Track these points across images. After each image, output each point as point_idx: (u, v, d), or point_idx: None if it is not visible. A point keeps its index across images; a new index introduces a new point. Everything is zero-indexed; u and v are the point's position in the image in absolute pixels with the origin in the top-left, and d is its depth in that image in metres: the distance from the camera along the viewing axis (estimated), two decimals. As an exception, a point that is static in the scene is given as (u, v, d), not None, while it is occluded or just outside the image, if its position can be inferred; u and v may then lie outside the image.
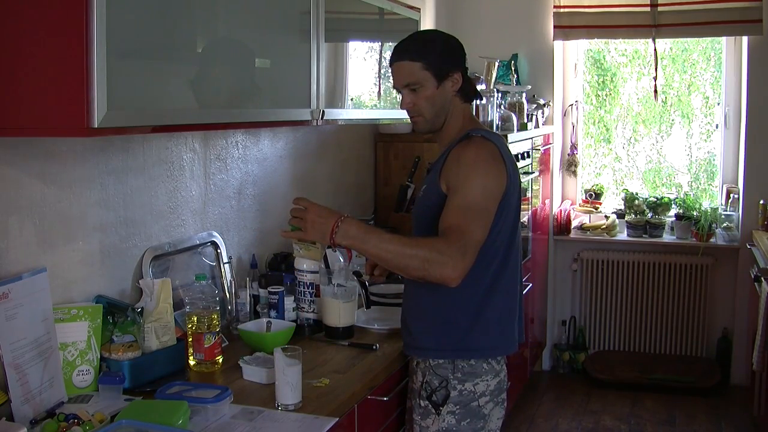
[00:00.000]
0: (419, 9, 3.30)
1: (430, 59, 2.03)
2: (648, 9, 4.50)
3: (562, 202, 5.08)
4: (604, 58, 5.16)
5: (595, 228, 4.93)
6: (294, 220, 1.96)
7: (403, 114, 2.13)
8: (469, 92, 2.13)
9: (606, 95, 5.17)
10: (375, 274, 2.37)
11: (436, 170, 2.05)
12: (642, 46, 5.04)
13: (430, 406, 2.08)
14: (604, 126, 5.20)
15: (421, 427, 2.10)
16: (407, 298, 2.18)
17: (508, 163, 2.04)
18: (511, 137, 3.68)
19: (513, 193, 2.04)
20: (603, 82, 5.17)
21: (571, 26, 4.68)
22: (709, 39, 4.86)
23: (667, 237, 4.82)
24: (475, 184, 1.94)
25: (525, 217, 4.12)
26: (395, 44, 2.10)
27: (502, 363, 2.13)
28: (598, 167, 5.22)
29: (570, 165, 5.06)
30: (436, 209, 1.99)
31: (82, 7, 1.48)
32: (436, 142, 2.20)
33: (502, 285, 2.07)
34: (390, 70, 2.10)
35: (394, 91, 2.14)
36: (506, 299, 2.10)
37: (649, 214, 4.85)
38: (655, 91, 4.71)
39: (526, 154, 4.03)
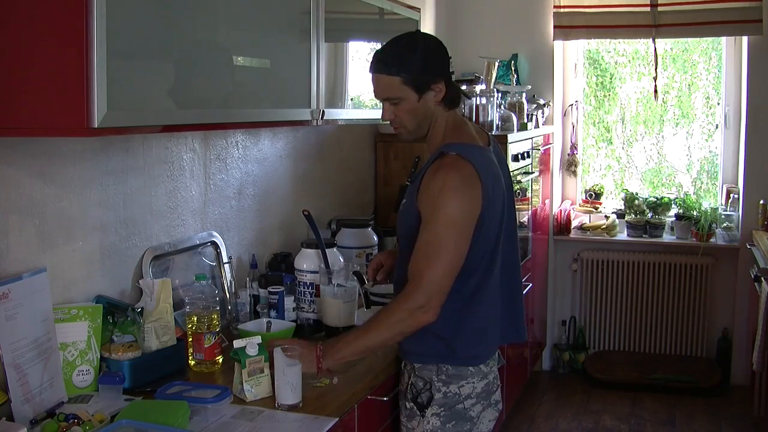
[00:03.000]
0: (419, 9, 3.30)
1: (408, 73, 1.95)
2: (648, 9, 4.49)
3: (562, 202, 5.08)
4: (603, 59, 5.16)
5: (595, 228, 4.93)
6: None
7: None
8: (453, 99, 2.06)
9: (604, 96, 5.17)
10: (378, 279, 2.37)
11: (413, 189, 2.02)
12: (642, 46, 5.04)
13: (415, 407, 2.08)
14: (604, 127, 5.20)
15: (407, 428, 2.10)
16: None
17: (486, 180, 1.96)
18: (511, 137, 3.68)
19: (493, 208, 2.00)
20: (602, 83, 5.17)
21: (571, 26, 4.68)
22: (709, 39, 4.86)
23: (667, 237, 4.82)
24: (442, 217, 1.92)
25: (525, 217, 4.12)
26: (375, 51, 2.04)
27: (491, 365, 2.12)
28: (603, 168, 5.22)
29: (570, 165, 5.06)
30: (416, 231, 1.98)
31: (82, 7, 1.48)
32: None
33: (485, 295, 2.05)
34: (371, 79, 2.03)
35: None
36: (489, 309, 2.09)
37: (649, 214, 4.85)
38: (656, 92, 4.71)
39: (526, 154, 4.03)
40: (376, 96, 2.05)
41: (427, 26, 4.29)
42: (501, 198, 2.06)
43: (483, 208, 1.96)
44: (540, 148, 4.40)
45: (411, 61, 1.96)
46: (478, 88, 3.78)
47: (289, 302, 2.50)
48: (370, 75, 2.03)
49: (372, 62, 2.02)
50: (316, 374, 1.96)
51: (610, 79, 5.15)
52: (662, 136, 5.14)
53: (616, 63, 5.15)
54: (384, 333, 1.95)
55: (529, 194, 4.18)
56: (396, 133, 2.11)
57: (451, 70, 2.06)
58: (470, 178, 1.94)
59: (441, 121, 2.07)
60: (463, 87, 3.24)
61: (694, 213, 4.71)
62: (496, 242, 2.06)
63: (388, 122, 2.09)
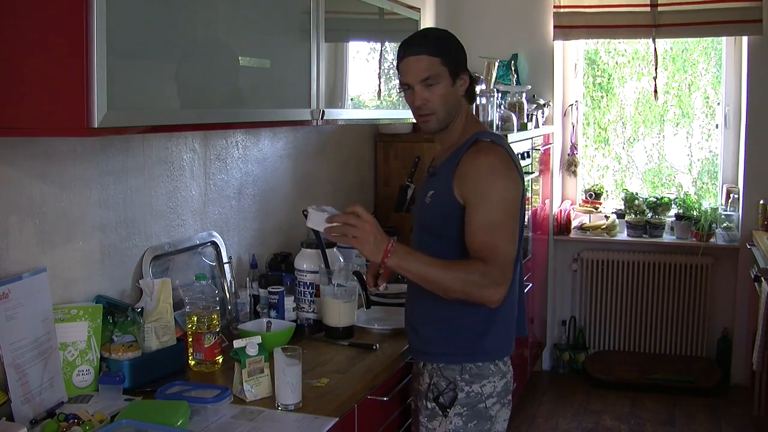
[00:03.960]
0: (419, 9, 3.30)
1: (448, 56, 2.01)
2: (648, 9, 4.50)
3: (562, 202, 5.08)
4: (601, 59, 5.15)
5: (595, 228, 4.93)
6: (345, 229, 1.91)
7: (402, 114, 2.11)
8: (473, 94, 2.12)
9: (601, 97, 5.17)
10: (378, 285, 2.36)
11: (447, 177, 2.01)
12: (642, 46, 5.04)
13: (437, 408, 2.07)
14: (599, 127, 5.19)
15: (428, 428, 2.10)
16: (414, 301, 2.16)
17: (518, 166, 2.04)
18: (511, 137, 3.68)
19: (523, 197, 2.05)
20: (599, 83, 5.17)
21: (571, 26, 4.68)
22: (709, 39, 4.86)
23: (667, 237, 4.83)
24: (495, 197, 1.94)
25: (525, 217, 4.12)
26: (404, 40, 2.05)
27: (509, 364, 2.13)
28: (599, 168, 5.22)
29: (570, 165, 5.06)
30: (453, 220, 1.98)
31: (82, 7, 1.48)
32: (434, 141, 2.19)
33: (513, 286, 2.05)
34: (401, 65, 2.03)
35: (399, 90, 2.09)
36: (514, 299, 2.10)
37: (649, 214, 4.85)
38: (656, 92, 4.71)
39: (526, 154, 4.03)
40: (412, 79, 2.01)
41: (428, 26, 4.29)
42: (524, 189, 2.08)
43: (521, 192, 2.01)
44: (540, 148, 4.40)
45: (448, 45, 2.03)
46: (478, 88, 3.78)
47: (289, 302, 2.50)
48: (404, 60, 2.02)
49: (407, 47, 2.03)
50: (379, 264, 1.94)
51: (608, 80, 5.15)
52: (662, 136, 5.14)
53: (616, 63, 5.15)
54: (452, 282, 1.90)
55: (529, 194, 4.18)
56: (423, 122, 2.07)
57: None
58: (509, 163, 2.00)
59: (462, 114, 2.10)
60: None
61: (694, 213, 4.71)
62: (521, 232, 2.07)
63: (415, 111, 2.05)
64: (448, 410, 2.05)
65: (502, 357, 2.08)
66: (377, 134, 3.87)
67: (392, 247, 1.90)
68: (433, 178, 2.11)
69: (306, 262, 2.52)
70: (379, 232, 1.91)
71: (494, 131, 3.66)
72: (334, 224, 1.92)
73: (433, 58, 1.99)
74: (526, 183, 3.97)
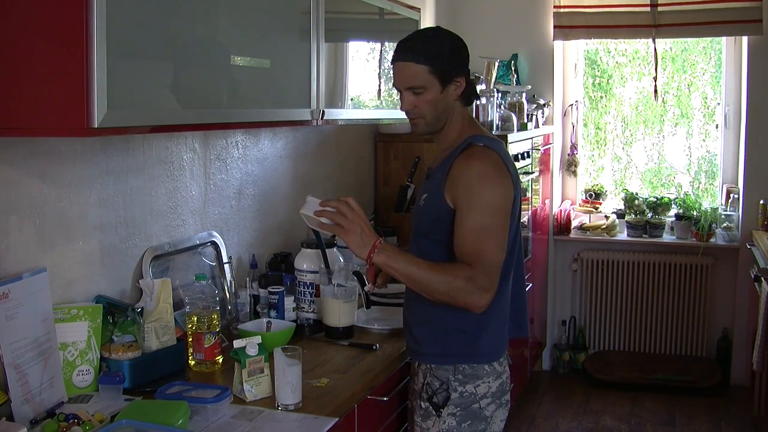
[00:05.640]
0: (419, 9, 3.30)
1: (436, 64, 1.97)
2: (648, 9, 4.50)
3: (562, 202, 5.08)
4: (600, 60, 5.15)
5: (595, 228, 4.93)
6: (335, 216, 1.92)
7: (403, 114, 2.11)
8: (470, 95, 2.10)
9: (600, 97, 5.17)
10: (378, 283, 2.36)
11: (439, 180, 2.01)
12: (642, 46, 5.04)
13: (430, 407, 2.07)
14: (597, 128, 5.19)
15: (422, 428, 2.10)
16: (410, 302, 2.15)
17: (512, 170, 2.02)
18: (511, 137, 3.68)
19: (517, 201, 2.04)
20: (599, 84, 5.17)
21: (571, 26, 4.68)
22: (709, 39, 4.86)
23: (667, 237, 4.83)
24: (484, 203, 1.93)
25: (525, 217, 4.12)
26: (399, 41, 2.04)
27: (505, 364, 2.13)
28: (596, 169, 5.22)
29: (570, 165, 5.06)
30: (443, 224, 1.98)
31: (82, 7, 1.48)
32: (434, 141, 2.19)
33: (504, 289, 2.06)
34: (393, 68, 2.04)
35: (394, 89, 2.10)
36: (506, 303, 2.10)
37: (649, 214, 4.85)
38: (655, 92, 4.71)
39: (526, 154, 4.03)
40: (399, 85, 2.03)
41: (427, 26, 4.29)
42: (520, 194, 2.08)
43: (513, 198, 2.00)
44: (540, 148, 4.40)
45: (438, 52, 1.98)
46: (479, 88, 3.78)
47: (289, 302, 2.50)
48: (394, 64, 2.03)
49: (398, 51, 2.02)
50: (365, 260, 1.92)
51: (608, 81, 5.15)
52: (662, 136, 5.14)
53: (617, 63, 5.15)
54: (437, 284, 1.90)
55: (529, 194, 4.18)
56: (412, 124, 2.09)
57: (469, 68, 2.08)
58: (501, 168, 1.99)
59: (458, 116, 2.08)
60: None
61: (694, 213, 4.71)
62: (516, 235, 2.07)
63: (405, 114, 2.07)
64: (442, 410, 2.05)
65: (496, 358, 2.08)
66: (377, 134, 3.87)
67: (380, 243, 1.91)
68: (428, 180, 2.11)
69: (306, 262, 2.52)
70: (368, 227, 1.92)
71: (493, 132, 3.68)
72: (326, 209, 1.93)
73: (421, 66, 1.97)
74: (525, 183, 4.04)
